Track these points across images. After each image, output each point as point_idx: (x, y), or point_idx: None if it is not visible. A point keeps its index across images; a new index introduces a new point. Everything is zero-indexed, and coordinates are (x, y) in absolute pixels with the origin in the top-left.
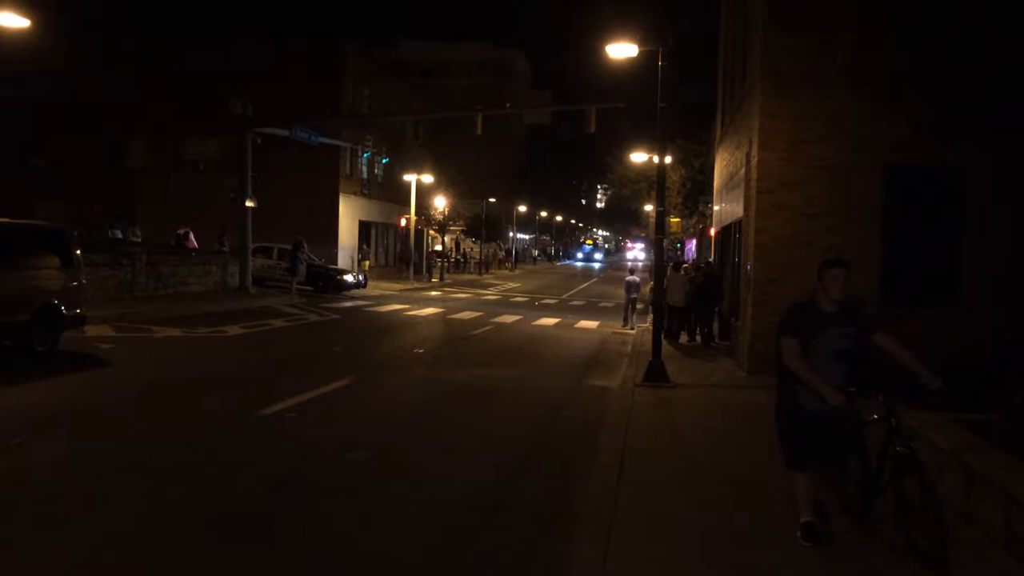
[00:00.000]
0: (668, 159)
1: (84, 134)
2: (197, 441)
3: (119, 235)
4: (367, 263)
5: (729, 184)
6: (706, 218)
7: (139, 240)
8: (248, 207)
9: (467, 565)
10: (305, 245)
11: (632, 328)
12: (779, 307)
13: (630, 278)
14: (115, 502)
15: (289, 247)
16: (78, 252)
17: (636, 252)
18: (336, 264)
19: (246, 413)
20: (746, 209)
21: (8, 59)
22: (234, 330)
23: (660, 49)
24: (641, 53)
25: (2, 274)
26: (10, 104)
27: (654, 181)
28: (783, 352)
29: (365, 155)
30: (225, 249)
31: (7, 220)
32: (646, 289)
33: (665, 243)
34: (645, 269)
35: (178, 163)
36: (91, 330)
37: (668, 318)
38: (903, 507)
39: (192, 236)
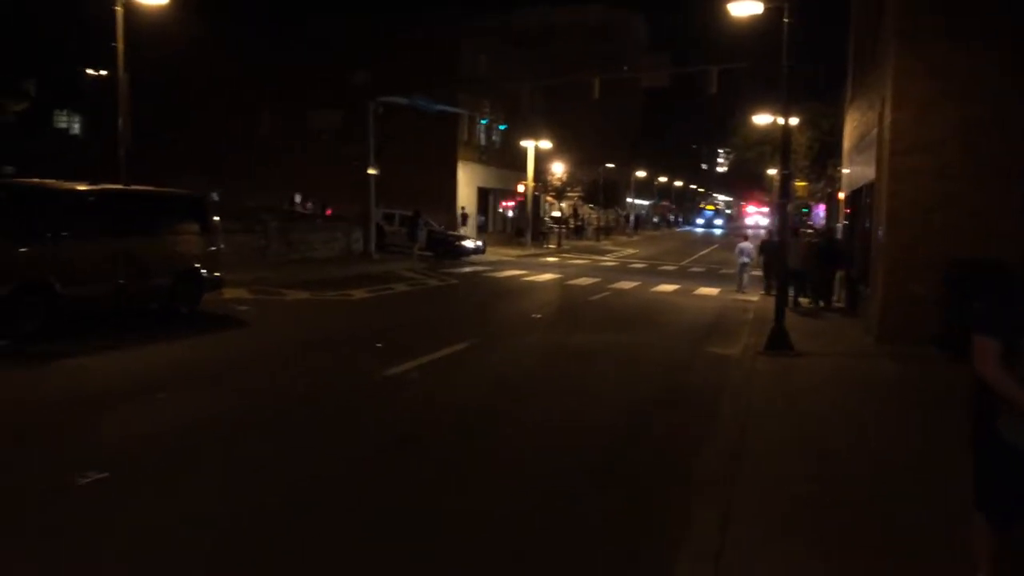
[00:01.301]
0: (794, 120)
1: (215, 107)
2: (327, 398)
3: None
4: (464, 229)
5: (860, 145)
6: (835, 181)
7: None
8: (371, 174)
9: (579, 524)
10: (422, 215)
11: (743, 292)
12: (913, 274)
13: (743, 244)
14: (251, 451)
15: (410, 214)
16: (216, 219)
17: (756, 218)
18: (455, 230)
19: (372, 373)
20: (878, 172)
21: (148, 37)
22: (359, 294)
23: (786, 5)
24: (766, 10)
25: (148, 240)
26: (149, 80)
27: (779, 143)
28: (975, 355)
29: (482, 122)
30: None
31: (151, 189)
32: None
33: (790, 207)
34: (758, 237)
35: (302, 133)
36: (228, 293)
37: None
38: None
39: (309, 203)
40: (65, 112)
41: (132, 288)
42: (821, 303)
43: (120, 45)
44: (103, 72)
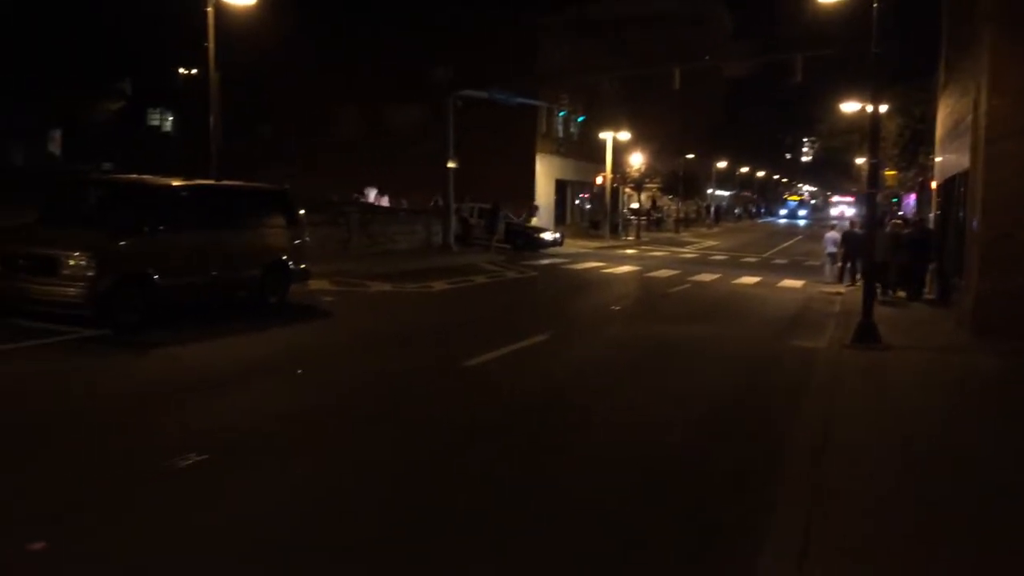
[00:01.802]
0: (883, 108)
1: (296, 104)
2: (411, 388)
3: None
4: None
5: (953, 133)
6: (927, 170)
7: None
8: (450, 168)
9: (661, 518)
10: (501, 208)
11: (831, 284)
12: (1009, 265)
13: (830, 234)
14: (335, 438)
15: (488, 206)
16: (301, 212)
17: (843, 207)
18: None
19: (452, 363)
20: (972, 160)
21: (235, 37)
22: (439, 286)
23: None
24: None
25: (238, 232)
26: (236, 79)
27: (867, 131)
28: None
29: (560, 114)
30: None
31: (241, 184)
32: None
33: (879, 197)
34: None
35: (382, 128)
36: (312, 284)
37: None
38: None
39: (386, 198)
40: (158, 110)
41: (224, 279)
42: (909, 294)
43: (211, 45)
44: (194, 71)
